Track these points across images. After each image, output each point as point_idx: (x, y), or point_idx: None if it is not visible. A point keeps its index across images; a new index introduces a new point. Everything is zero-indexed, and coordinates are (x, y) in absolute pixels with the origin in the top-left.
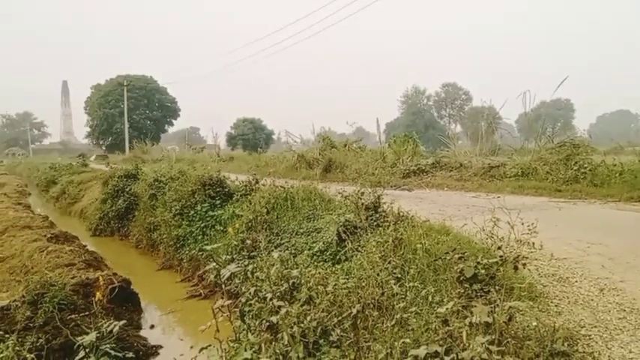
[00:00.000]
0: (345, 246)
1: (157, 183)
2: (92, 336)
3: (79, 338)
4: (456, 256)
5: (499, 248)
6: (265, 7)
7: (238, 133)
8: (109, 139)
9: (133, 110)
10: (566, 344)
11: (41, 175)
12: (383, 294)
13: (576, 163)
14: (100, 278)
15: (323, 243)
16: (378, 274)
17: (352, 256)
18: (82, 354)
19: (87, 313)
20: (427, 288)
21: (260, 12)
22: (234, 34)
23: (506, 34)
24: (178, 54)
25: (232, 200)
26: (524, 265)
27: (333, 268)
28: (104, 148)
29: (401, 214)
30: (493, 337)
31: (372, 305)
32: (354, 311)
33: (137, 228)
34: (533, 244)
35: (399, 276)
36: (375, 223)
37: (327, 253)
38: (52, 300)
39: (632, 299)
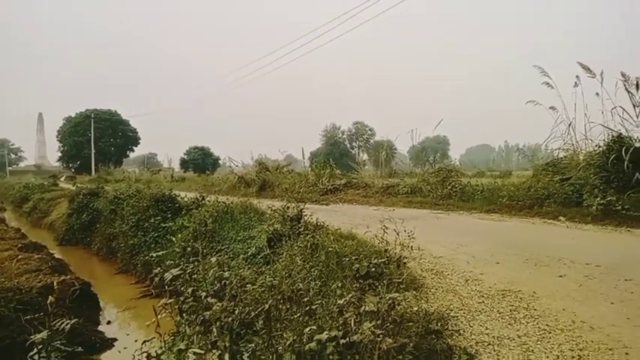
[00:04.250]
0: (274, 250)
1: (116, 200)
2: (43, 334)
3: (33, 336)
4: (353, 257)
5: (385, 251)
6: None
7: (190, 158)
8: (78, 163)
9: (99, 138)
10: (439, 324)
11: (15, 193)
12: (293, 290)
13: (450, 183)
14: (55, 283)
15: (255, 248)
16: (298, 273)
17: (279, 259)
18: (35, 350)
19: (42, 313)
20: (336, 283)
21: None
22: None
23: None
24: (142, 90)
25: (182, 214)
26: (404, 263)
27: (263, 269)
28: (73, 170)
29: (318, 224)
30: (378, 322)
31: (285, 299)
32: (267, 306)
33: (98, 238)
34: (412, 247)
35: (315, 273)
36: (298, 232)
37: (259, 257)
38: (16, 301)
39: (489, 287)
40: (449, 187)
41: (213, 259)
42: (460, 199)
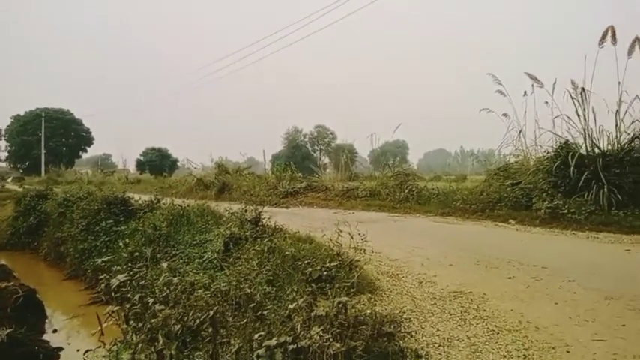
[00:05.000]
0: (230, 254)
1: (66, 202)
2: None
3: None
4: (306, 261)
5: (338, 254)
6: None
7: (146, 159)
8: (27, 164)
9: (50, 138)
10: (391, 326)
11: None
12: (241, 295)
13: (407, 187)
14: None
15: (211, 252)
16: (254, 278)
17: (235, 263)
18: None
19: None
20: (290, 287)
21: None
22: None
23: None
24: (95, 89)
25: (135, 217)
26: (356, 266)
27: (217, 274)
28: (21, 171)
29: (276, 227)
30: (327, 326)
31: (233, 305)
32: (211, 312)
33: (46, 242)
34: (365, 250)
35: (271, 278)
36: (256, 235)
37: (215, 261)
38: None
39: (441, 289)
40: (406, 191)
41: (165, 264)
42: (417, 202)
